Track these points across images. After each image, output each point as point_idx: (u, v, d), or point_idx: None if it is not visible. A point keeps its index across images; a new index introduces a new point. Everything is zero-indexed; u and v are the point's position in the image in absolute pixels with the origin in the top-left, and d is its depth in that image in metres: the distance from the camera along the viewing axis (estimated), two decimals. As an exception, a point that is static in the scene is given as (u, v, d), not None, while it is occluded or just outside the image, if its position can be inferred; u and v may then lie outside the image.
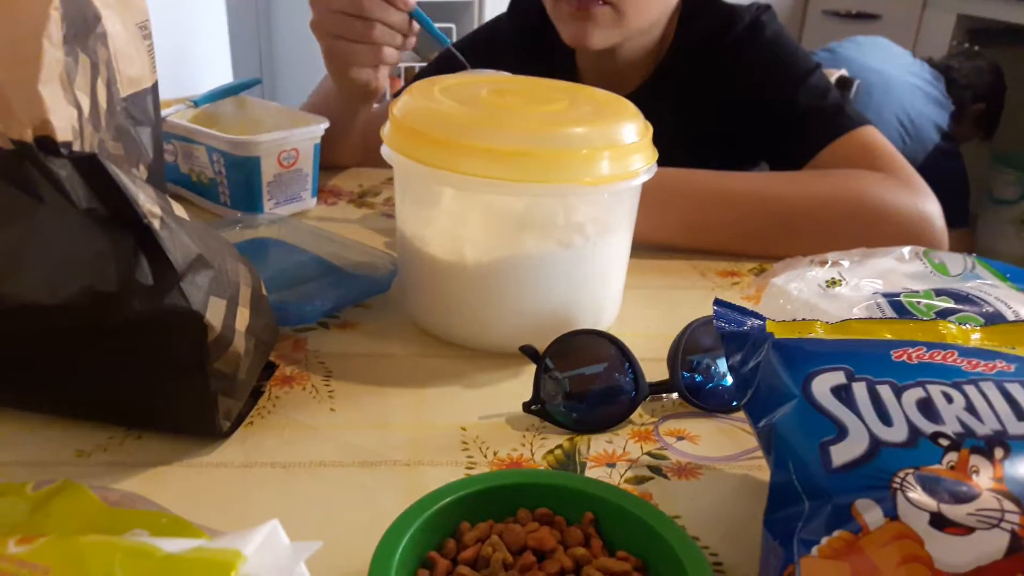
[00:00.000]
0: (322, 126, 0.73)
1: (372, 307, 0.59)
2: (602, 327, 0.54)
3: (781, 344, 0.40)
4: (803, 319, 0.42)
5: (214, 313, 0.41)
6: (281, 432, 0.45)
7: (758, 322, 0.43)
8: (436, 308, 0.55)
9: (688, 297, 0.63)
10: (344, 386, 0.49)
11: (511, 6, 0.97)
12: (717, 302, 0.42)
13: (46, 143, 0.37)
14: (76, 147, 0.38)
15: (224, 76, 1.73)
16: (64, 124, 0.38)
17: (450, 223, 0.53)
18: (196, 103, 0.77)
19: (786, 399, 0.38)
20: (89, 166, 0.38)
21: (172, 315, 0.40)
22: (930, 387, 0.37)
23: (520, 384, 0.50)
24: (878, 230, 0.68)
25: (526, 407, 0.45)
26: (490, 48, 0.92)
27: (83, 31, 0.42)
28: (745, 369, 0.40)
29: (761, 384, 0.39)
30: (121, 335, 0.41)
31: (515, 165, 0.48)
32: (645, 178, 0.52)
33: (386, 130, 0.54)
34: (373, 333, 0.56)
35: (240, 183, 0.69)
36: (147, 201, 0.39)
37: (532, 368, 0.47)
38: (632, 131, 0.52)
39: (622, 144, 0.51)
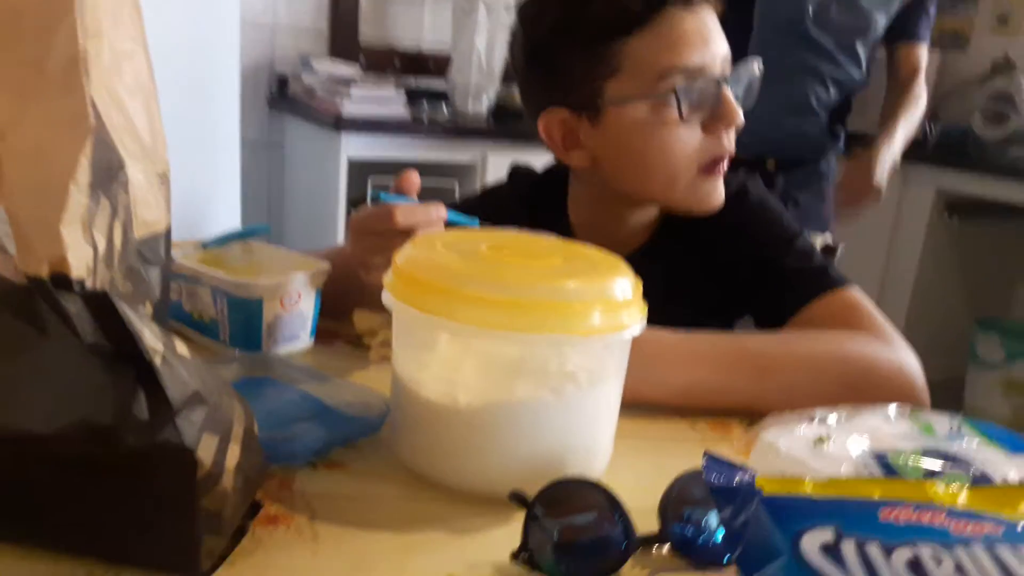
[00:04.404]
0: (324, 270, 0.75)
1: (362, 447, 0.59)
2: (593, 476, 0.53)
3: (771, 500, 0.40)
4: (792, 476, 0.43)
5: (206, 449, 0.41)
6: (262, 574, 0.44)
7: (748, 477, 0.43)
8: (427, 450, 0.55)
9: (678, 449, 0.63)
10: (328, 528, 0.49)
11: (510, 175, 1.02)
12: (707, 455, 0.43)
13: (61, 279, 0.39)
14: (89, 284, 0.40)
15: (233, 220, 1.79)
16: (80, 262, 0.40)
17: (445, 368, 0.54)
18: (205, 246, 0.80)
19: (776, 555, 0.37)
20: (100, 303, 0.39)
21: (164, 450, 0.40)
22: (920, 548, 0.37)
23: (510, 531, 0.49)
24: (864, 386, 0.70)
25: (514, 556, 0.44)
26: (496, 210, 0.97)
27: (107, 177, 0.44)
28: (735, 524, 0.40)
29: (751, 540, 0.39)
30: (111, 468, 0.41)
31: (510, 315, 0.50)
32: (635, 332, 0.54)
33: (388, 278, 0.56)
34: (361, 474, 0.56)
35: (241, 323, 0.71)
36: (151, 338, 0.41)
37: (521, 514, 0.46)
38: (624, 287, 0.54)
39: (614, 299, 0.53)
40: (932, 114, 2.93)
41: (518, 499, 0.45)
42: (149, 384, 0.40)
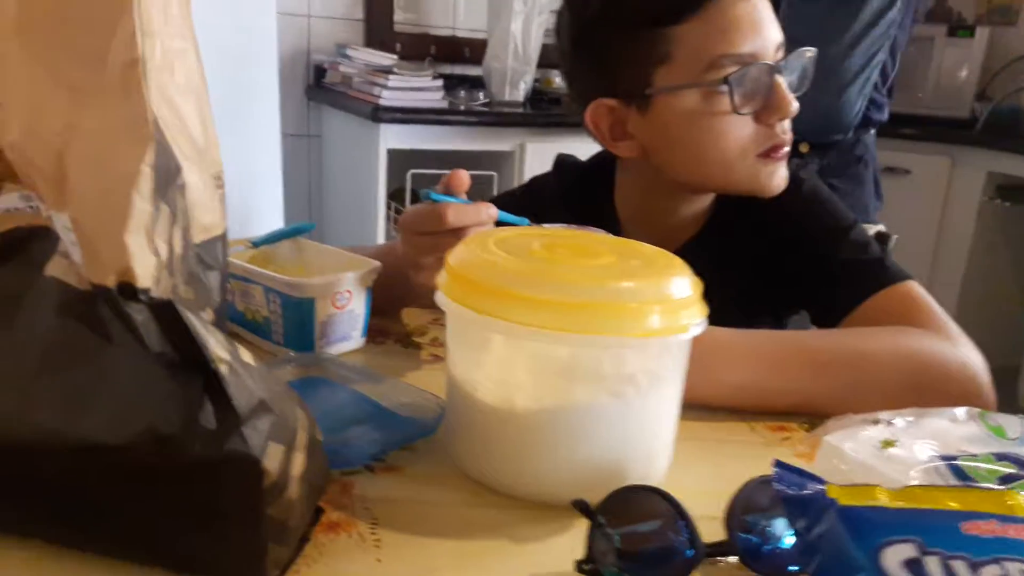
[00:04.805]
0: (375, 268, 0.75)
1: (417, 449, 0.58)
2: (652, 481, 0.52)
3: (847, 512, 0.39)
4: (863, 483, 0.41)
5: (272, 459, 0.41)
6: (324, 583, 0.44)
7: (819, 486, 0.42)
8: (483, 455, 0.55)
9: (739, 452, 0.62)
10: (389, 535, 0.48)
11: (556, 166, 1.01)
12: (777, 463, 0.42)
13: (127, 289, 0.39)
14: (154, 293, 0.40)
15: (276, 215, 1.80)
16: (145, 271, 0.40)
17: (500, 370, 0.54)
18: (255, 244, 0.80)
19: (856, 570, 0.36)
20: (165, 311, 0.39)
21: (231, 460, 0.40)
22: (1008, 565, 0.35)
23: (571, 539, 0.48)
24: (928, 386, 0.67)
25: (579, 567, 0.44)
26: (539, 203, 0.96)
27: (165, 183, 0.44)
28: (811, 536, 0.39)
29: (828, 553, 0.38)
30: (177, 478, 0.41)
31: (565, 316, 0.49)
32: (695, 332, 0.52)
33: (441, 278, 0.55)
34: (418, 478, 0.55)
35: (294, 322, 0.71)
36: (216, 346, 0.40)
37: (581, 522, 0.45)
38: (682, 286, 0.53)
39: (672, 298, 0.52)
40: (980, 93, 2.86)
41: (581, 508, 0.45)
42: (215, 393, 0.40)
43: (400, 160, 2.25)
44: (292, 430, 0.43)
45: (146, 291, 0.39)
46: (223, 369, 0.40)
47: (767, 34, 0.78)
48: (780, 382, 0.67)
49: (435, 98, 2.24)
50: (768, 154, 0.81)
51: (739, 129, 0.79)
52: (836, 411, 0.63)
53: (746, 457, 0.61)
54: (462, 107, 2.30)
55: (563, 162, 1.01)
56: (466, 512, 0.52)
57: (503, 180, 2.25)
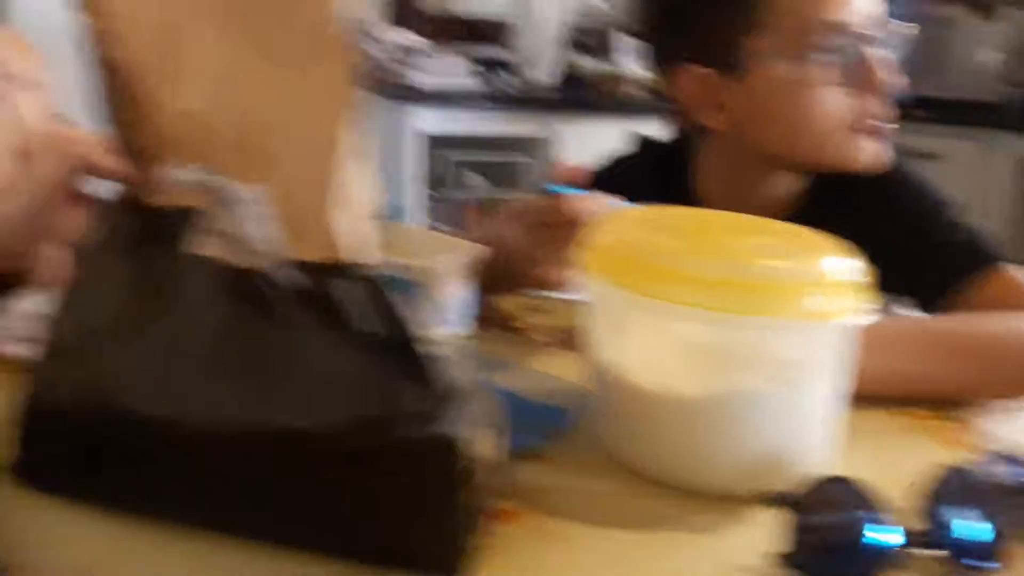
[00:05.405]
0: (480, 252, 0.73)
1: (561, 437, 0.56)
2: (817, 471, 0.51)
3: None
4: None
5: (469, 443, 0.39)
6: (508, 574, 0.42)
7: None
8: (639, 442, 0.53)
9: (905, 442, 0.59)
10: (563, 525, 0.46)
11: (638, 145, 0.99)
12: (989, 453, 0.40)
13: (333, 266, 0.36)
14: (359, 270, 0.37)
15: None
16: (351, 245, 0.37)
17: (655, 354, 0.52)
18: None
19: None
20: (371, 289, 0.37)
21: (433, 443, 0.38)
22: None
23: (746, 531, 0.47)
24: None
25: (785, 561, 0.42)
26: (629, 184, 0.93)
27: (363, 151, 0.42)
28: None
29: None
30: (376, 462, 0.39)
31: (726, 295, 0.47)
32: (860, 319, 0.50)
33: (582, 257, 0.53)
34: (570, 466, 0.53)
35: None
36: (418, 326, 0.38)
37: (752, 513, 0.45)
38: (845, 268, 0.51)
39: (834, 281, 0.50)
40: (1009, 77, 2.83)
41: (783, 501, 0.43)
42: (417, 374, 0.38)
43: (427, 143, 2.21)
44: (484, 414, 0.41)
45: (353, 267, 0.36)
46: (426, 349, 0.38)
47: (868, 5, 0.76)
48: (927, 368, 0.65)
49: (466, 80, 2.21)
50: (864, 128, 0.79)
51: (834, 100, 0.77)
52: (973, 397, 0.61)
53: (915, 447, 0.58)
54: (493, 89, 2.27)
55: (644, 141, 0.99)
56: (628, 502, 0.50)
57: (538, 164, 2.22)
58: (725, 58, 0.78)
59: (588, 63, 2.46)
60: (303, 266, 0.37)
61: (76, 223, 0.64)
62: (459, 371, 0.39)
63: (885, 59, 0.77)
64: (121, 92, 0.41)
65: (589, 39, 2.51)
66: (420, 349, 0.37)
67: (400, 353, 0.37)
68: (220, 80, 0.37)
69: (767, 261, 0.50)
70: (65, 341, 0.44)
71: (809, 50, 0.75)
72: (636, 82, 2.34)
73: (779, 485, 0.45)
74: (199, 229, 0.40)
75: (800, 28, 0.75)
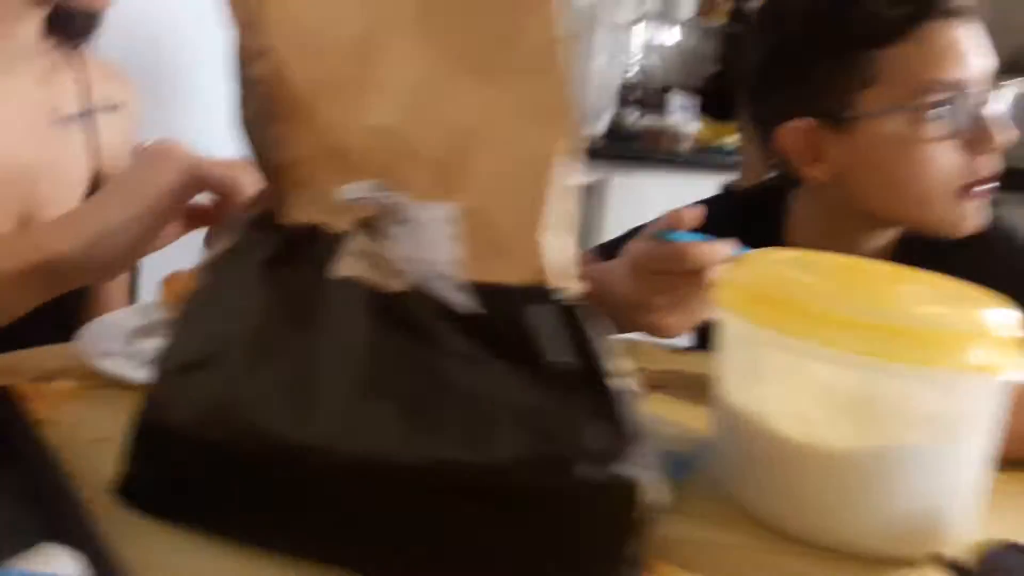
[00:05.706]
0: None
1: (685, 486, 0.54)
2: (965, 536, 0.48)
3: None
4: None
5: (645, 488, 0.37)
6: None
7: None
8: (774, 495, 0.51)
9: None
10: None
11: (726, 192, 0.99)
12: None
13: (535, 291, 0.35)
14: (560, 295, 0.36)
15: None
16: (555, 271, 0.36)
17: (802, 402, 0.50)
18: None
19: None
20: (570, 318, 0.35)
21: (613, 486, 0.36)
22: None
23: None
24: None
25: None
26: (708, 226, 0.93)
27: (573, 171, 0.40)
28: None
29: None
30: (543, 501, 0.37)
31: (879, 340, 0.45)
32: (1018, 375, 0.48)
33: (719, 295, 0.52)
34: (694, 517, 0.51)
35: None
36: (609, 359, 0.37)
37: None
38: (1007, 322, 0.49)
39: (993, 333, 0.48)
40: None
41: (954, 567, 0.41)
42: (605, 411, 0.36)
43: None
44: (653, 457, 0.40)
45: (557, 292, 0.35)
46: (617, 385, 0.36)
47: (979, 61, 0.76)
48: None
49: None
50: (970, 189, 0.78)
51: (944, 159, 0.76)
52: None
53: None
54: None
55: (729, 187, 0.99)
56: (766, 558, 0.48)
57: (588, 214, 2.22)
58: (834, 112, 0.78)
59: (633, 118, 2.48)
60: (486, 289, 0.36)
61: (183, 238, 0.63)
62: (638, 410, 0.38)
63: (999, 118, 0.76)
64: (270, 108, 0.40)
65: (641, 94, 2.55)
66: (610, 384, 0.36)
67: (590, 387, 0.36)
68: (418, 94, 0.36)
69: (925, 308, 0.49)
70: (188, 358, 0.42)
71: (922, 107, 0.74)
72: (687, 136, 2.36)
73: (930, 548, 0.43)
74: (345, 249, 0.39)
75: (916, 86, 0.75)
